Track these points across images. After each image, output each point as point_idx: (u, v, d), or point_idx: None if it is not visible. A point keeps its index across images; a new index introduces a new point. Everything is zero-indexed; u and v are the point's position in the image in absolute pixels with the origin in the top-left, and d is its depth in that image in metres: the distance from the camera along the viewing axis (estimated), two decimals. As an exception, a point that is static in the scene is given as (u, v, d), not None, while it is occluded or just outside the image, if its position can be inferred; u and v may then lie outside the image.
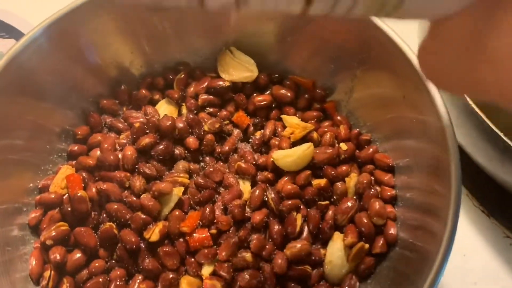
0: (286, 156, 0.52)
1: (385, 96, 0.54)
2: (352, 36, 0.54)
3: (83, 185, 0.51)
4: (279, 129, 0.57)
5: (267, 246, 0.49)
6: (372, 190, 0.52)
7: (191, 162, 0.56)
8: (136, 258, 0.49)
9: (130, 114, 0.59)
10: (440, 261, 0.39)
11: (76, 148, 0.57)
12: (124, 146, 0.55)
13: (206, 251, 0.48)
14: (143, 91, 0.60)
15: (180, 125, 0.55)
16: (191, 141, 0.56)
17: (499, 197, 0.59)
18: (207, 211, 0.50)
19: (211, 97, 0.60)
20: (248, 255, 0.48)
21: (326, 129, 0.57)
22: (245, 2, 0.21)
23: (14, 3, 0.79)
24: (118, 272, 0.49)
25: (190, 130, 0.56)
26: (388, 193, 0.51)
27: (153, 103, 0.61)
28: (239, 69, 0.61)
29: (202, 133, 0.56)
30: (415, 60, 0.47)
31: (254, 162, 0.55)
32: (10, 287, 0.46)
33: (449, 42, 0.25)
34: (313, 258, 0.49)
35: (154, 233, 0.48)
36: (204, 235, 0.49)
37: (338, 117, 0.59)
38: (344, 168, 0.54)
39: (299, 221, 0.50)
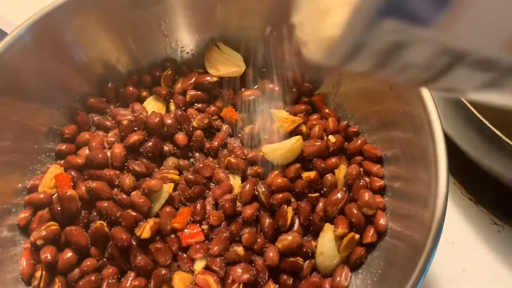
0: (275, 150, 0.53)
1: (372, 88, 0.55)
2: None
3: (72, 184, 0.51)
4: (268, 123, 0.57)
5: (259, 240, 0.49)
6: (362, 181, 0.52)
7: (181, 158, 0.56)
8: (128, 255, 0.49)
9: (118, 111, 0.59)
10: (429, 249, 0.40)
11: (64, 147, 0.56)
12: (113, 144, 0.54)
13: (198, 246, 0.48)
14: (130, 88, 0.60)
15: (169, 121, 0.55)
16: (180, 137, 0.56)
17: (486, 185, 0.60)
18: (198, 207, 0.50)
19: (199, 93, 0.60)
20: (240, 249, 0.48)
21: (314, 122, 0.57)
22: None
23: (-4, 3, 0.78)
24: (110, 270, 0.49)
25: (178, 127, 0.56)
26: (377, 184, 0.52)
27: (141, 100, 0.61)
28: (227, 64, 0.61)
29: (191, 129, 0.56)
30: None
31: (244, 157, 0.55)
32: (1, 289, 0.46)
33: None
34: (304, 250, 0.49)
35: (145, 230, 0.48)
36: (195, 231, 0.49)
37: (326, 110, 0.59)
38: (333, 160, 0.54)
39: (290, 214, 0.50)
